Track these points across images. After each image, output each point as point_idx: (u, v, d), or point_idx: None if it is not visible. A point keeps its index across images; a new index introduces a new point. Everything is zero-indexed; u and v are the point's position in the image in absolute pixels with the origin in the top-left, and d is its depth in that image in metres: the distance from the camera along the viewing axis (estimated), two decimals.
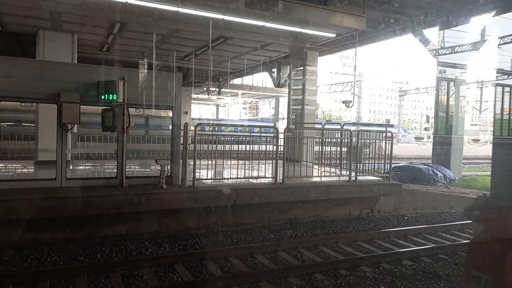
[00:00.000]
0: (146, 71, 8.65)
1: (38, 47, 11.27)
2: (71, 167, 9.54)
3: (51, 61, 9.26)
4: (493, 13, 13.21)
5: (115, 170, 7.56)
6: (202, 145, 8.67)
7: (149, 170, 9.59)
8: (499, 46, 15.89)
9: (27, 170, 9.36)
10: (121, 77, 7.29)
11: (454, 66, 16.54)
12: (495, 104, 11.48)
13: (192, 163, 7.94)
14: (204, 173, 8.66)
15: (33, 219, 6.32)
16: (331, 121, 40.38)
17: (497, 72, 16.43)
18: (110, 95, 7.15)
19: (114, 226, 6.99)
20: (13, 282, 4.90)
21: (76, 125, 8.53)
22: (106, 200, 6.81)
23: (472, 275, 1.98)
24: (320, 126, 14.69)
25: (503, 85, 11.45)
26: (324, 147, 11.29)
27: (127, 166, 7.61)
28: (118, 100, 7.21)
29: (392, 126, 39.48)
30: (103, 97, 7.17)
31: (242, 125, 25.65)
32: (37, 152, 10.28)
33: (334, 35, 11.76)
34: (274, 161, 8.73)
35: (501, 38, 16.39)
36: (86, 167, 10.31)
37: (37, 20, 10.62)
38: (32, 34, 11.73)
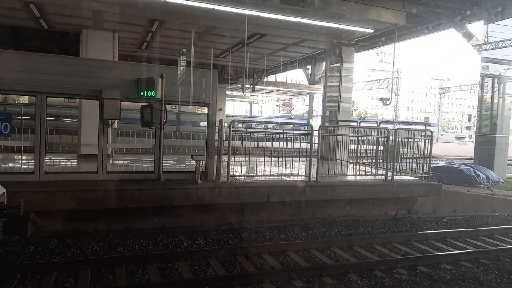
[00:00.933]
0: (183, 68, 8.82)
1: (81, 45, 11.77)
2: (111, 161, 9.90)
3: (94, 59, 9.64)
4: None
5: (152, 165, 7.78)
6: (236, 141, 8.75)
7: (184, 165, 9.79)
8: None
9: (70, 164, 9.81)
10: (159, 74, 7.48)
11: (499, 62, 15.71)
12: None
13: (226, 159, 8.03)
14: (238, 170, 8.74)
15: (75, 210, 6.62)
16: (364, 119, 39.33)
17: None
18: (149, 91, 7.36)
19: (151, 219, 7.19)
20: (57, 269, 5.16)
21: (116, 121, 8.83)
22: (144, 193, 7.01)
23: None
24: (355, 124, 14.43)
25: None
26: (359, 145, 11.07)
27: (163, 161, 7.81)
28: (156, 97, 7.41)
29: (429, 124, 38.01)
30: (142, 93, 7.39)
31: (276, 122, 25.61)
32: (79, 146, 10.74)
33: (372, 31, 11.48)
34: (307, 158, 8.66)
35: None
36: (125, 162, 10.67)
37: (81, 19, 11.08)
38: (76, 32, 12.25)
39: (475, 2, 12.56)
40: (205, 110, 8.42)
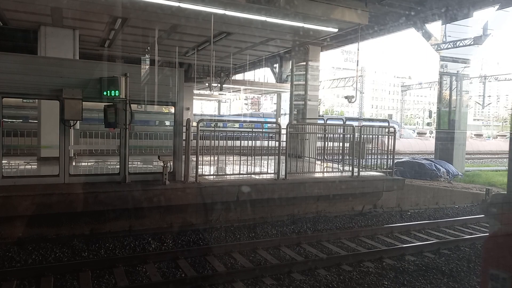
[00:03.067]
0: (148, 66, 8.64)
1: (39, 43, 11.26)
2: (74, 163, 9.55)
3: (53, 57, 9.26)
4: (497, 7, 13.12)
5: (118, 166, 7.57)
6: (204, 141, 8.67)
7: (151, 166, 9.60)
8: None
9: (30, 167, 9.38)
10: (123, 73, 7.28)
11: (456, 60, 16.45)
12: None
13: (194, 159, 7.94)
14: (207, 169, 8.67)
15: (36, 215, 6.34)
16: (322, 116, 40.03)
17: None
18: (112, 91, 7.15)
19: (117, 222, 7.01)
20: (18, 277, 4.92)
21: (78, 121, 8.53)
22: (109, 196, 6.81)
23: (490, 273, 1.96)
24: (322, 121, 14.69)
25: None
26: (326, 142, 11.27)
27: (129, 162, 7.62)
28: (120, 96, 7.20)
29: (386, 121, 38.87)
30: (105, 93, 7.17)
31: (244, 121, 25.63)
32: (39, 148, 10.29)
33: (336, 30, 11.69)
34: (276, 156, 8.72)
35: None
36: (89, 164, 10.33)
37: (39, 16, 10.59)
38: (34, 30, 11.71)
39: (432, 3, 13.08)
40: (172, 110, 8.28)
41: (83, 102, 7.06)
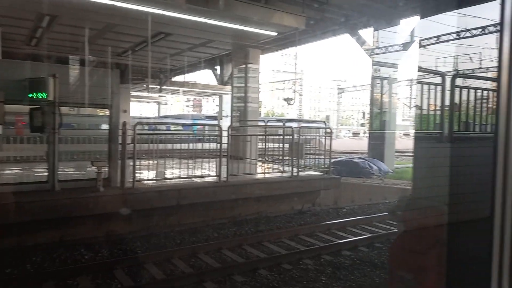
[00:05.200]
0: (80, 67, 8.18)
1: None
2: None
3: None
4: (419, 16, 14.22)
5: (47, 174, 7.07)
6: (142, 144, 8.39)
7: (84, 172, 9.09)
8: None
9: None
10: (51, 74, 6.82)
11: (386, 65, 17.57)
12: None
13: (131, 163, 7.65)
14: (146, 174, 8.40)
15: None
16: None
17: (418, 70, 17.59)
18: (40, 93, 6.67)
19: (46, 233, 6.54)
20: None
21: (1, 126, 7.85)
22: (37, 205, 6.34)
23: (396, 274, 2.09)
24: (263, 123, 14.91)
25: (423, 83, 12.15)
26: (267, 144, 11.45)
27: (60, 169, 7.15)
28: (49, 99, 6.74)
29: (314, 121, 40.22)
30: (31, 95, 6.67)
31: (164, 123, 25.28)
32: None
33: (275, 34, 11.92)
34: (217, 159, 8.68)
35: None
36: (14, 171, 9.53)
37: None
38: None
39: (364, 11, 13.84)
40: (107, 112, 7.92)
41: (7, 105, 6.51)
